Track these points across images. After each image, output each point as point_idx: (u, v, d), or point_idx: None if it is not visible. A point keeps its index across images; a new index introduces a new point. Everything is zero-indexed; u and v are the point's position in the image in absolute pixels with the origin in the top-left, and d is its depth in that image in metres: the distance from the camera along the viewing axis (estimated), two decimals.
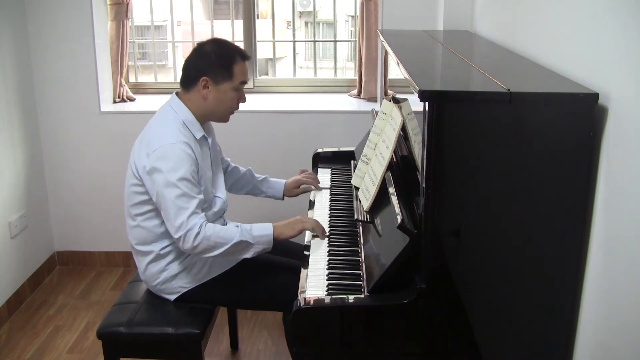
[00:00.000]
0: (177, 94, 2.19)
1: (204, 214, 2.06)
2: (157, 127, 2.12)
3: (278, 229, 2.10)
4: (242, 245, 2.06)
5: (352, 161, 2.61)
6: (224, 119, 2.22)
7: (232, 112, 2.22)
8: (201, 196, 2.06)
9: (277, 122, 3.37)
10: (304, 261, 1.95)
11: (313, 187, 2.55)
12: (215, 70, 2.11)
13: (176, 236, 2.02)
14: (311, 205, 2.41)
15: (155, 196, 2.04)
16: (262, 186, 2.57)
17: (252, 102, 3.42)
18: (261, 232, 2.08)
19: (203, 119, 2.19)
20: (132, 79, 3.73)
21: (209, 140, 2.23)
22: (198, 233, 1.99)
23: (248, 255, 2.10)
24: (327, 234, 2.11)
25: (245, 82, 2.18)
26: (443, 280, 1.58)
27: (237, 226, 2.08)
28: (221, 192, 2.28)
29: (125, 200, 2.18)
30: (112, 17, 3.40)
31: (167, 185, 2.00)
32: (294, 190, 2.56)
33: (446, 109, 1.47)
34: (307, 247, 2.03)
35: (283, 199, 2.59)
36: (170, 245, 2.16)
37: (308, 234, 2.11)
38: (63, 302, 3.27)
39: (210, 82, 2.11)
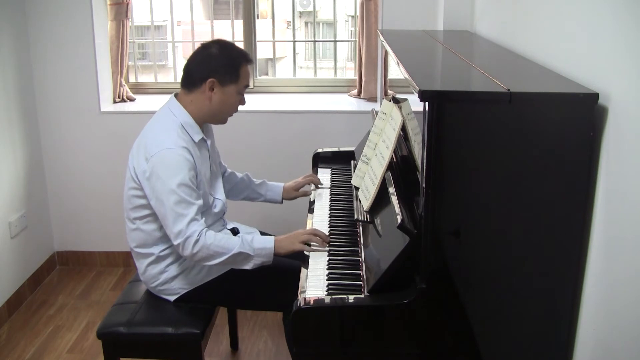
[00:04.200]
0: (175, 95, 2.18)
1: (203, 220, 2.05)
2: (156, 131, 2.10)
3: (278, 243, 2.08)
4: (242, 256, 2.05)
5: (352, 161, 2.61)
6: (223, 121, 2.22)
7: (231, 115, 2.22)
8: (200, 202, 2.04)
9: (277, 122, 3.37)
10: (304, 261, 1.95)
11: (312, 188, 2.54)
12: (222, 72, 2.09)
13: (175, 243, 2.01)
14: (311, 206, 2.40)
15: (154, 202, 2.03)
16: (260, 190, 2.55)
17: (252, 102, 3.41)
18: (262, 244, 2.06)
19: (202, 121, 2.17)
20: (132, 79, 3.73)
21: (208, 143, 2.22)
22: (197, 240, 1.98)
23: (247, 266, 2.08)
24: (329, 241, 2.06)
25: (248, 86, 2.18)
26: (443, 280, 1.58)
27: (239, 237, 2.07)
28: (220, 194, 2.28)
29: (125, 204, 2.17)
30: (112, 17, 3.40)
31: (165, 191, 1.99)
32: (293, 193, 2.54)
33: (446, 109, 1.47)
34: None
35: (282, 202, 2.57)
36: (169, 247, 2.16)
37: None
38: (63, 302, 3.27)
39: (217, 83, 2.10)
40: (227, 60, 2.10)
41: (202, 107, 2.13)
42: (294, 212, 2.96)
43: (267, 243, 2.07)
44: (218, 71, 2.09)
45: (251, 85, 3.61)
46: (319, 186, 2.56)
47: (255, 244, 2.06)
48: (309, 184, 2.57)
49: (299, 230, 2.11)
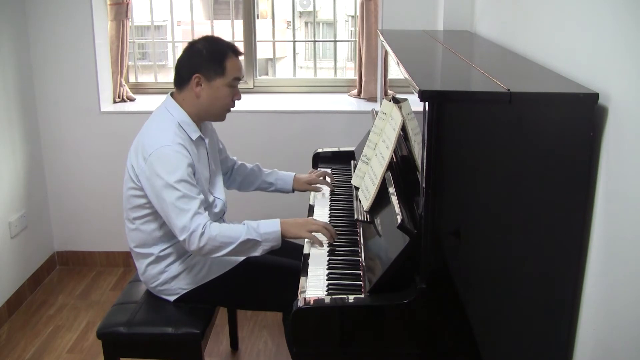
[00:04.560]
0: (171, 94, 2.17)
1: (207, 213, 2.03)
2: (152, 130, 2.10)
3: (284, 226, 2.05)
4: (250, 243, 2.02)
5: (352, 161, 2.61)
6: (220, 117, 2.20)
7: (228, 110, 2.19)
8: (201, 196, 2.03)
9: (277, 122, 3.37)
10: (304, 261, 1.95)
11: (322, 190, 2.51)
12: (207, 66, 2.08)
13: (181, 238, 2.00)
14: (310, 210, 2.38)
15: (156, 200, 2.03)
16: (270, 179, 2.54)
17: (252, 102, 3.42)
18: (268, 228, 2.04)
19: (199, 119, 2.16)
20: (132, 79, 3.73)
21: (206, 141, 2.21)
22: (202, 233, 1.97)
23: (257, 253, 2.06)
24: (334, 239, 2.05)
25: (239, 79, 2.15)
26: (443, 280, 1.58)
27: (244, 223, 2.05)
28: (220, 193, 2.27)
29: (124, 204, 2.17)
30: (112, 17, 3.40)
31: (165, 188, 1.98)
32: (305, 186, 2.52)
33: (446, 109, 1.47)
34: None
35: (293, 191, 2.55)
36: (169, 247, 2.15)
37: (307, 246, 2.03)
38: (63, 302, 3.27)
39: (203, 78, 2.08)
40: (212, 54, 2.09)
41: (194, 104, 2.12)
42: (295, 213, 2.96)
43: (273, 226, 2.04)
44: (203, 66, 2.08)
45: (251, 85, 3.61)
46: (332, 186, 2.54)
47: (262, 228, 2.03)
48: (320, 186, 2.53)
49: (310, 219, 2.10)
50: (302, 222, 2.08)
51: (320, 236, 2.05)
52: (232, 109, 2.20)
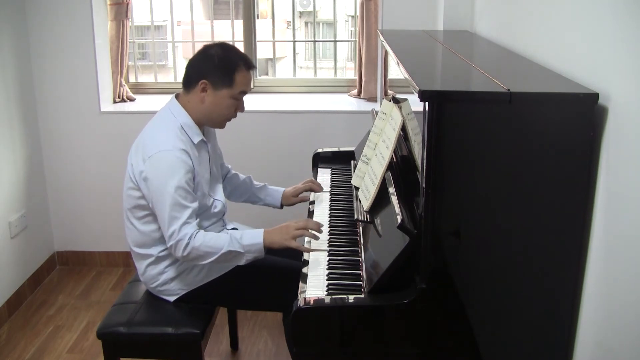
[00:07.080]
0: (177, 95, 2.16)
1: (196, 222, 2.04)
2: (155, 132, 2.09)
3: (269, 238, 2.05)
4: (232, 254, 2.04)
5: (352, 161, 2.61)
6: (219, 125, 2.19)
7: (229, 120, 2.18)
8: (195, 204, 2.04)
9: (277, 122, 3.37)
10: (304, 261, 1.94)
11: (311, 194, 2.50)
12: (216, 74, 2.07)
13: (168, 244, 2.02)
14: (310, 207, 2.39)
15: (151, 202, 2.04)
16: (260, 194, 2.52)
17: (252, 102, 3.42)
18: (251, 240, 2.05)
19: (199, 123, 2.15)
20: (132, 79, 3.73)
21: (209, 145, 2.20)
22: (187, 243, 1.99)
23: (241, 263, 2.08)
24: (322, 227, 2.04)
25: (245, 92, 2.13)
26: (443, 281, 1.58)
27: (228, 234, 2.06)
28: (220, 195, 2.27)
29: (124, 203, 2.17)
30: (112, 17, 3.40)
31: (161, 193, 1.99)
32: (292, 199, 2.51)
33: (446, 109, 1.47)
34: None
35: (282, 207, 2.54)
36: (167, 249, 2.15)
37: (307, 246, 2.03)
38: (63, 302, 3.27)
39: (209, 86, 2.07)
40: (223, 63, 2.07)
41: (197, 108, 2.11)
42: (296, 214, 2.96)
43: (256, 238, 2.05)
44: (212, 73, 2.07)
45: (251, 85, 3.60)
46: (322, 189, 2.52)
47: (245, 240, 2.05)
48: (309, 191, 2.52)
49: (290, 223, 2.07)
50: (284, 229, 2.05)
51: (311, 244, 2.03)
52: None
